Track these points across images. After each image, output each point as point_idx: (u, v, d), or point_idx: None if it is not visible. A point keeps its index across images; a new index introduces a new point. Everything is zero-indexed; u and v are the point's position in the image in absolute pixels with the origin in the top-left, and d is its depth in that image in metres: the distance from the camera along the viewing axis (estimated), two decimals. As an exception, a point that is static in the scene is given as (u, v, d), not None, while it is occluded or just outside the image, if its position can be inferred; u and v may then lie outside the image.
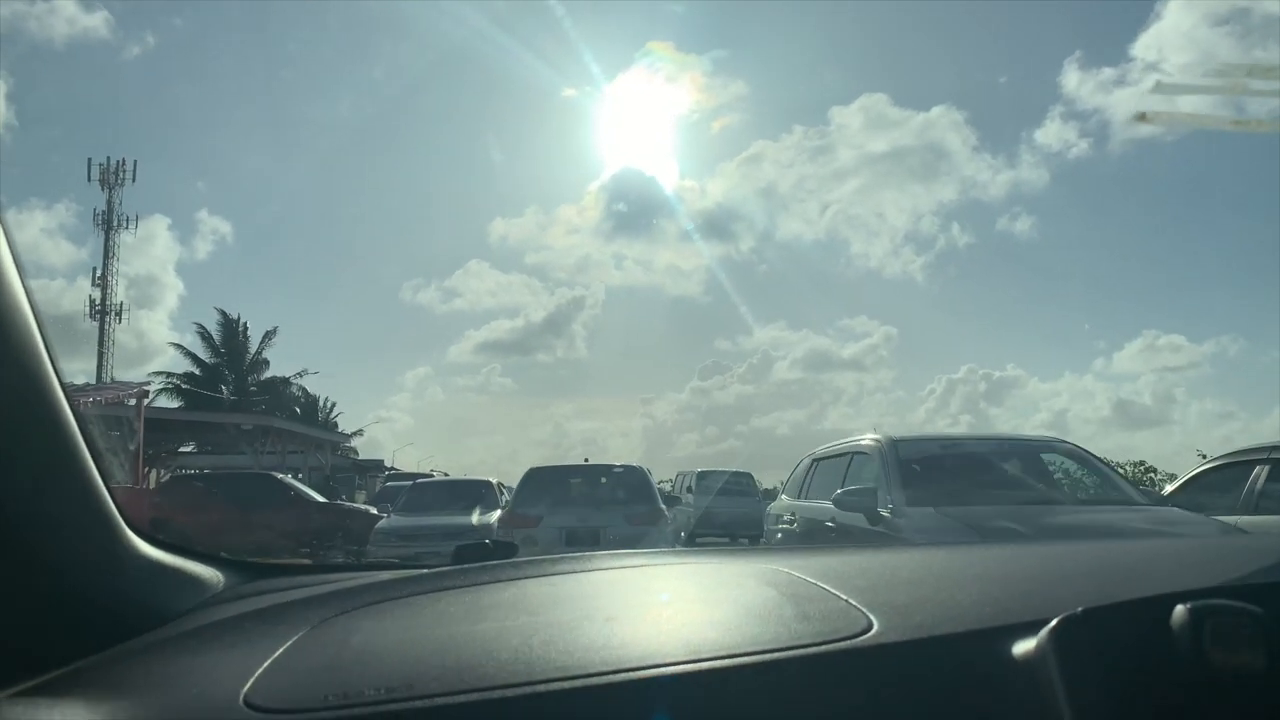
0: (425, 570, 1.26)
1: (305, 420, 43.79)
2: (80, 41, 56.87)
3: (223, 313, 45.15)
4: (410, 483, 17.35)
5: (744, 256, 63.51)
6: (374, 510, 15.91)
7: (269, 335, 45.67)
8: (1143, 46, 54.70)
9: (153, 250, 55.22)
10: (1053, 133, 58.04)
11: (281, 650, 0.89)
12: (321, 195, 79.84)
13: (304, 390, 48.40)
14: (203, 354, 44.77)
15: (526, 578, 1.15)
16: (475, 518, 12.73)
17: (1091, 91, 57.59)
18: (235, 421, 28.11)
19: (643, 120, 65.76)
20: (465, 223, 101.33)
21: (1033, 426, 49.84)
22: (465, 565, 1.26)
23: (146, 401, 24.44)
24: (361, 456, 51.41)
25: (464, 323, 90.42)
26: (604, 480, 10.50)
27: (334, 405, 52.06)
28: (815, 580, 1.03)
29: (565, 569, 1.20)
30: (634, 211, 68.87)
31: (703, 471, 23.28)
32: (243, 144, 71.02)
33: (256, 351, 45.52)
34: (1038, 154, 60.65)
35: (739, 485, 22.66)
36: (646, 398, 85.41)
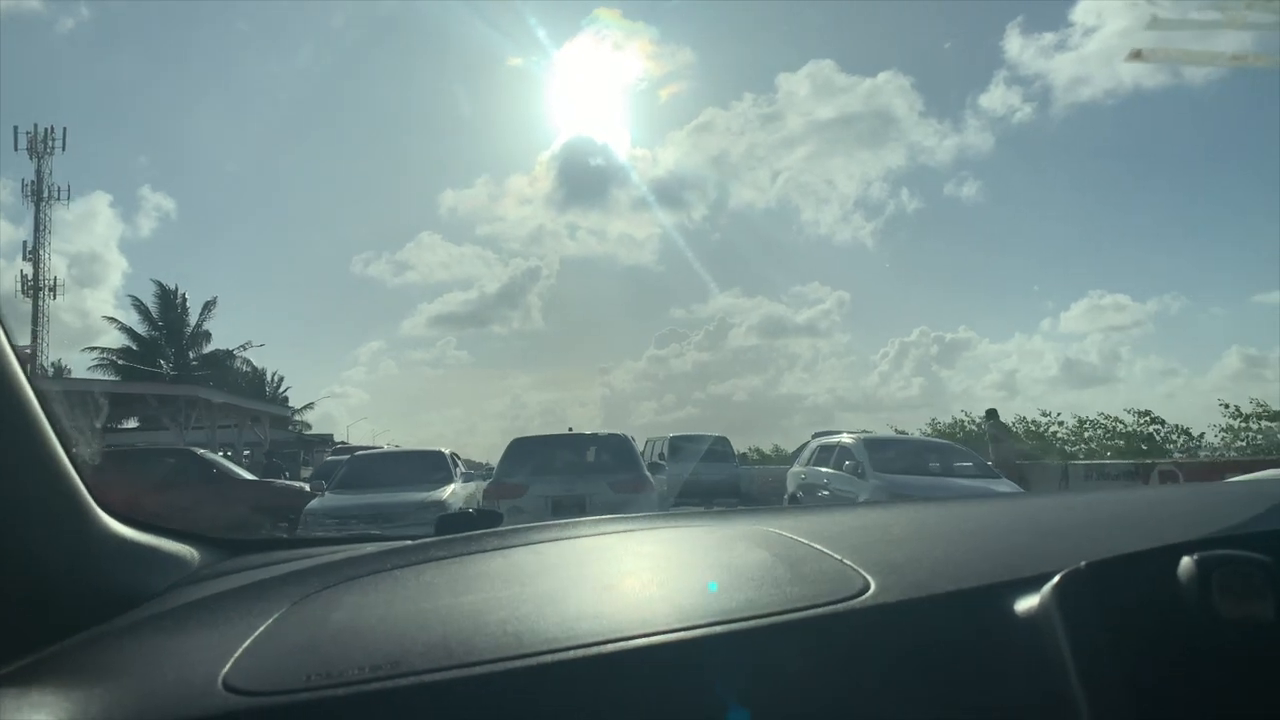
0: (408, 542, 1.23)
1: (252, 395, 41.92)
2: (13, 14, 53.08)
3: (160, 284, 43.13)
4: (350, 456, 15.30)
5: (697, 225, 64.93)
6: (308, 488, 13.99)
7: (209, 306, 43.83)
8: (1082, 11, 56.36)
9: (94, 227, 55.47)
10: (997, 97, 59.83)
11: (261, 629, 0.88)
12: (268, 169, 78.57)
13: (249, 364, 46.23)
14: (141, 329, 42.30)
15: (512, 547, 1.13)
16: (424, 494, 10.84)
17: (1033, 56, 59.82)
18: (156, 393, 25.55)
19: (592, 88, 65.85)
20: (414, 194, 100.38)
21: (983, 387, 52.53)
22: (449, 536, 1.21)
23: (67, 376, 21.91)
24: (314, 432, 49.40)
25: (417, 295, 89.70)
26: (588, 449, 10.58)
27: (282, 379, 50.51)
28: (809, 541, 1.03)
29: (551, 536, 1.18)
30: (586, 181, 69.05)
31: (677, 437, 21.69)
32: (185, 119, 70.11)
33: (196, 324, 43.29)
34: (983, 118, 61.30)
35: (717, 450, 21.14)
36: (604, 367, 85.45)
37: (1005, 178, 65.00)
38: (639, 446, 16.38)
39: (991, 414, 15.75)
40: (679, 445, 21.28)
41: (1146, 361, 50.69)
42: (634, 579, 0.97)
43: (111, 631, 0.95)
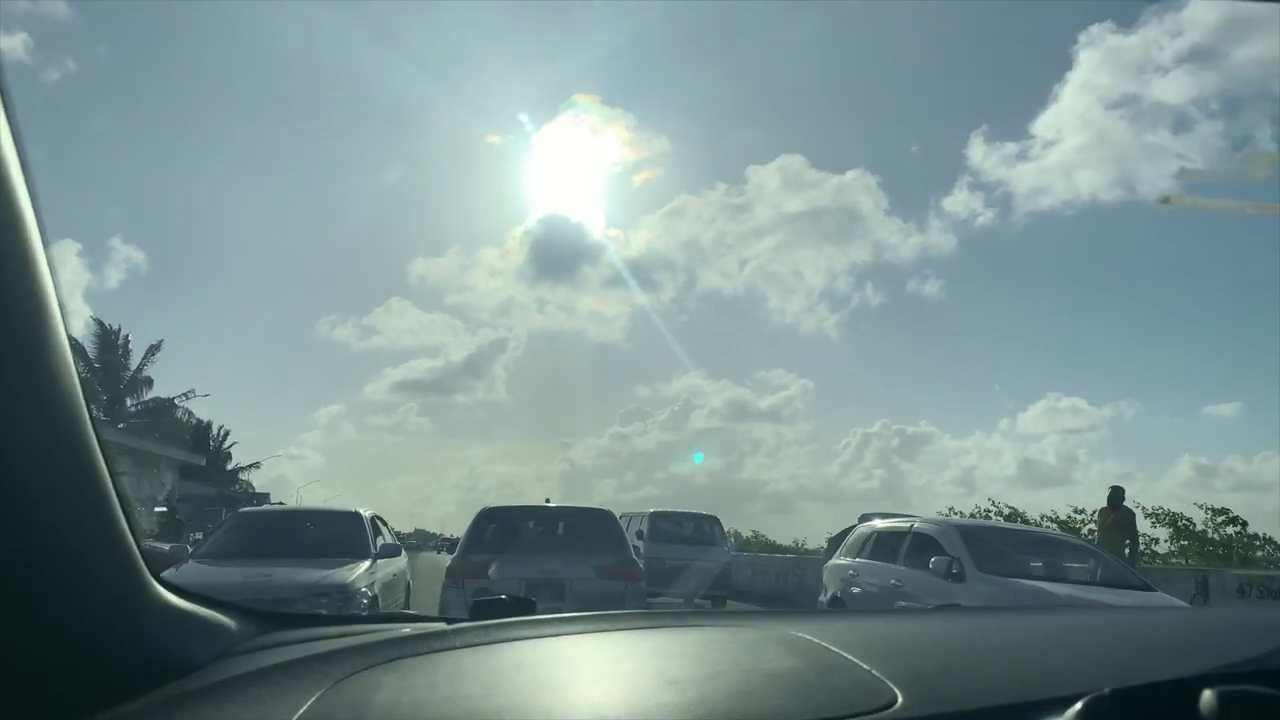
0: (444, 627, 1.23)
1: (195, 450, 38.47)
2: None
3: (99, 323, 39.64)
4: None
5: (665, 306, 66.97)
6: (167, 548, 10.71)
7: (153, 350, 40.64)
8: (1042, 125, 61.27)
9: (62, 277, 53.87)
10: (960, 201, 61.22)
11: (305, 707, 0.89)
12: (240, 227, 77.63)
13: (189, 415, 42.53)
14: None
15: (544, 637, 1.15)
16: (321, 573, 7.78)
17: (995, 164, 61.59)
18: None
19: (568, 169, 69.04)
20: (386, 260, 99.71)
21: (942, 482, 53.61)
22: (484, 622, 1.23)
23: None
24: (259, 492, 45.70)
25: (382, 360, 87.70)
26: (568, 525, 9.21)
27: (227, 434, 46.51)
28: (838, 648, 1.04)
29: (581, 629, 1.20)
30: (558, 256, 70.10)
31: (658, 514, 18.23)
32: (160, 173, 69.69)
33: (137, 368, 39.67)
34: (946, 220, 63.37)
35: (705, 532, 17.83)
36: (566, 441, 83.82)
37: (967, 278, 67.40)
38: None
39: (1118, 494, 11.45)
40: (660, 524, 17.93)
41: (1102, 465, 51.41)
42: (665, 678, 0.98)
43: (161, 700, 0.96)
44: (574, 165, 71.44)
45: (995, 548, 8.17)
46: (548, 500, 9.97)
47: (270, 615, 1.32)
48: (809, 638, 1.09)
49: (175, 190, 69.62)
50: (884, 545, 9.42)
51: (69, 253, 58.62)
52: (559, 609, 1.57)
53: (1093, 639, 1.23)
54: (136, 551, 1.01)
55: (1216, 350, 51.10)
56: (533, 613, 1.35)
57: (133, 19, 63.76)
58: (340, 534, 9.21)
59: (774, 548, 27.40)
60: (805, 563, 19.50)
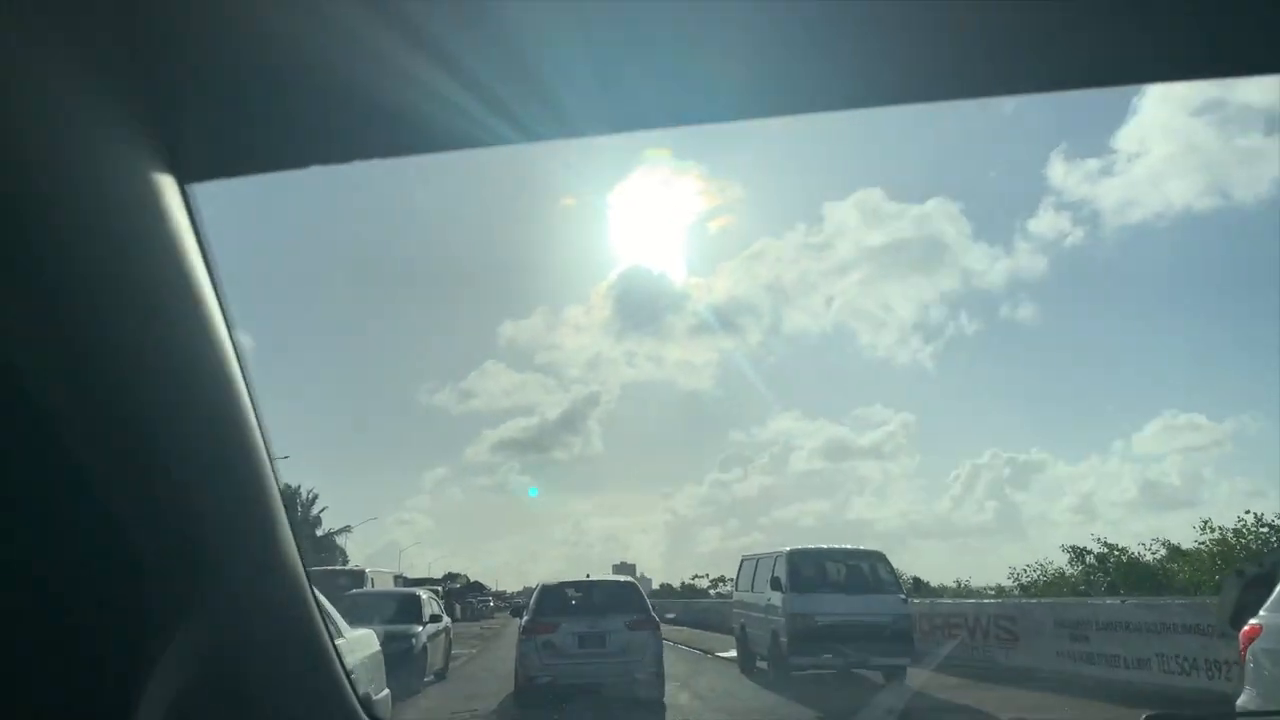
0: None
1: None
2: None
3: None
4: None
5: (753, 349, 64.38)
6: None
7: None
8: (1124, 138, 62.19)
9: None
10: (1046, 221, 61.91)
11: None
12: (340, 307, 77.78)
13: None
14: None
15: None
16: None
17: (1079, 181, 62.12)
18: None
19: (644, 222, 66.56)
20: (476, 325, 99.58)
21: (1059, 510, 51.69)
22: None
23: None
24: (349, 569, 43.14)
25: (480, 422, 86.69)
26: (604, 592, 12.48)
27: (316, 498, 44.22)
28: None
29: None
30: (642, 309, 68.09)
31: (800, 552, 13.85)
32: (259, 259, 70.34)
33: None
34: (1033, 242, 64.88)
35: (869, 573, 13.31)
36: (666, 492, 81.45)
37: (1062, 299, 65.70)
38: (735, 567, 16.68)
39: None
40: (803, 567, 13.58)
41: (1231, 482, 49.77)
42: None
43: None
44: (650, 218, 70.87)
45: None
46: (588, 575, 13.69)
47: None
48: None
49: (276, 274, 71.58)
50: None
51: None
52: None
53: None
54: (344, 678, 1.25)
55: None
56: None
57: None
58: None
59: (932, 591, 22.37)
60: (1018, 609, 14.77)
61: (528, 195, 77.93)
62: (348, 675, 1.22)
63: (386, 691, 7.02)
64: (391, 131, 0.93)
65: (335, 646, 1.25)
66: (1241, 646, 5.49)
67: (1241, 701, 5.35)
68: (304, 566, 1.14)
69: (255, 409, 1.02)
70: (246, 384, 1.01)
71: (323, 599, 5.32)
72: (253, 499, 1.04)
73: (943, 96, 0.84)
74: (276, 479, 1.06)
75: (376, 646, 7.26)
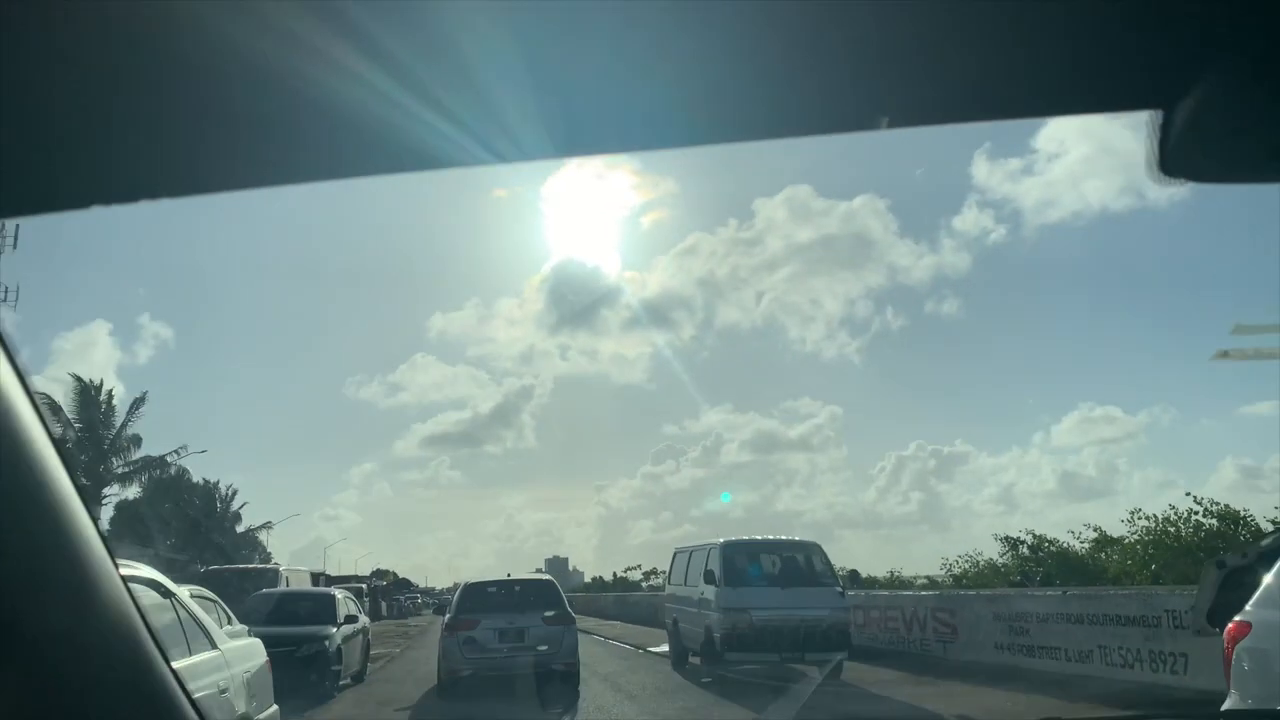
0: None
1: (202, 512, 34.29)
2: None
3: (77, 379, 35.73)
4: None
5: (686, 344, 65.07)
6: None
7: (137, 404, 36.59)
8: (1044, 139, 60.40)
9: (93, 356, 56.75)
10: (970, 219, 64.24)
11: None
12: (263, 297, 76.45)
13: (185, 473, 38.43)
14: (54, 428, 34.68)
15: None
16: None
17: (1001, 180, 65.15)
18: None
19: (578, 216, 68.02)
20: (405, 318, 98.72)
21: (982, 501, 50.80)
22: None
23: None
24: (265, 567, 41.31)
25: (409, 416, 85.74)
26: (524, 589, 12.92)
27: (235, 493, 42.46)
28: None
29: None
30: (575, 303, 68.35)
31: (733, 544, 13.35)
32: (183, 250, 69.96)
33: (121, 426, 35.70)
34: (958, 239, 65.32)
35: (803, 565, 12.85)
36: (599, 484, 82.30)
37: (985, 294, 68.10)
38: (668, 560, 16.44)
39: None
40: (737, 560, 13.08)
41: (1144, 473, 49.79)
42: None
43: None
44: (584, 212, 72.41)
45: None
46: (509, 574, 14.09)
47: None
48: None
49: (199, 266, 73.30)
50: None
51: (101, 332, 58.78)
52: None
53: None
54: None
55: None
56: None
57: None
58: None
59: (868, 582, 22.15)
60: (956, 600, 14.45)
61: (458, 186, 77.28)
62: (192, 703, 1.19)
63: (274, 708, 6.20)
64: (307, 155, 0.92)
65: (177, 674, 1.20)
66: (1226, 646, 4.92)
67: (1227, 705, 4.85)
68: (131, 596, 1.11)
69: (48, 430, 1.01)
70: (32, 404, 0.99)
71: (194, 609, 4.39)
72: (57, 529, 1.01)
73: (873, 126, 0.87)
74: (87, 505, 1.04)
75: (263, 657, 6.40)
